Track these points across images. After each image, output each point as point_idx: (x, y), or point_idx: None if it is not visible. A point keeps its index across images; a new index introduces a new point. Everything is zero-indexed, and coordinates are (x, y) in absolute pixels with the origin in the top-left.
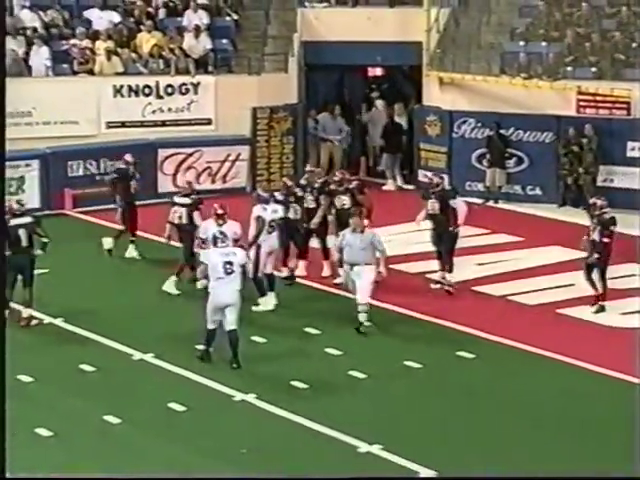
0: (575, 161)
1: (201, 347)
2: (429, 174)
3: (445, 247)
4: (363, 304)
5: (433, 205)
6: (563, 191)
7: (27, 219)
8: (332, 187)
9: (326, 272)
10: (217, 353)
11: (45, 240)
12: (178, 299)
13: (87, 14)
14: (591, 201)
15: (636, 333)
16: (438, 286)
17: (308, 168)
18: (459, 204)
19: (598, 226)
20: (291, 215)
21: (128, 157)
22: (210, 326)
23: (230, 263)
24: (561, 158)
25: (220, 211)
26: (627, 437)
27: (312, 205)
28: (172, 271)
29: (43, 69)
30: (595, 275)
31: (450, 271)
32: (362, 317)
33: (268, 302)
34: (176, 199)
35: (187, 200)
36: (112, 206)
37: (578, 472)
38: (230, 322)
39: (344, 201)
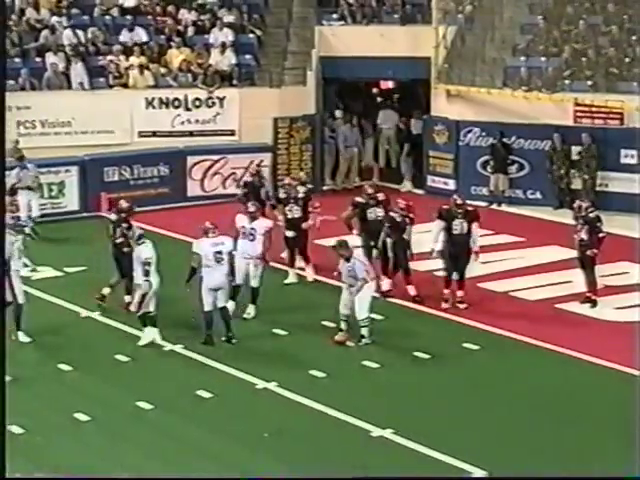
0: (563, 167)
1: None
2: (455, 195)
3: (463, 267)
4: (362, 319)
5: (462, 225)
6: (558, 194)
7: (114, 216)
8: (361, 200)
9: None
10: (239, 344)
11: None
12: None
13: (123, 33)
14: (576, 204)
15: (631, 326)
16: (448, 305)
17: (286, 181)
18: (476, 229)
19: (585, 225)
20: (406, 236)
21: (254, 168)
22: (206, 308)
23: (220, 252)
24: (555, 163)
25: (252, 209)
26: (624, 425)
27: (297, 215)
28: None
29: (80, 83)
30: (587, 272)
31: (462, 288)
32: (363, 331)
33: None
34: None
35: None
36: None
37: (575, 470)
38: (221, 300)
39: (378, 212)
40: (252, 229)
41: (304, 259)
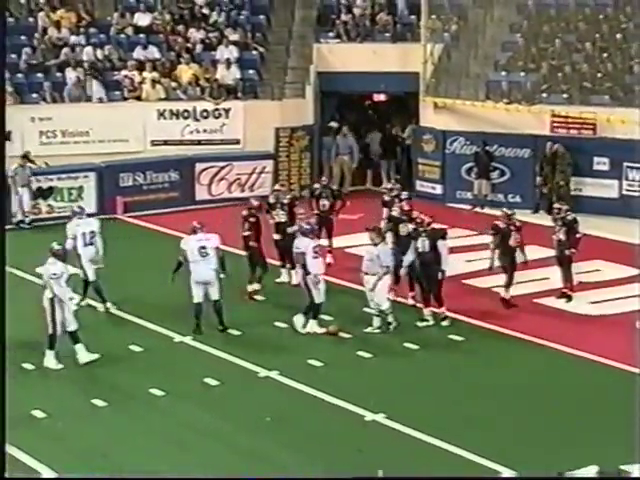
0: (550, 174)
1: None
2: (422, 215)
3: (433, 285)
4: (385, 308)
5: (423, 243)
6: (538, 199)
7: (245, 212)
8: (396, 215)
9: (295, 280)
10: (244, 335)
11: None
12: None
13: (136, 50)
14: (556, 206)
15: (603, 319)
16: (425, 324)
17: (276, 187)
18: (442, 248)
19: (563, 227)
20: (512, 242)
21: (323, 180)
22: (195, 300)
23: (204, 247)
24: (544, 169)
25: (316, 227)
26: (601, 412)
27: (283, 219)
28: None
29: (97, 96)
30: (563, 269)
31: (441, 305)
32: (390, 318)
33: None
34: (386, 197)
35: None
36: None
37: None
38: (213, 294)
39: (410, 228)
40: (319, 246)
41: (289, 262)
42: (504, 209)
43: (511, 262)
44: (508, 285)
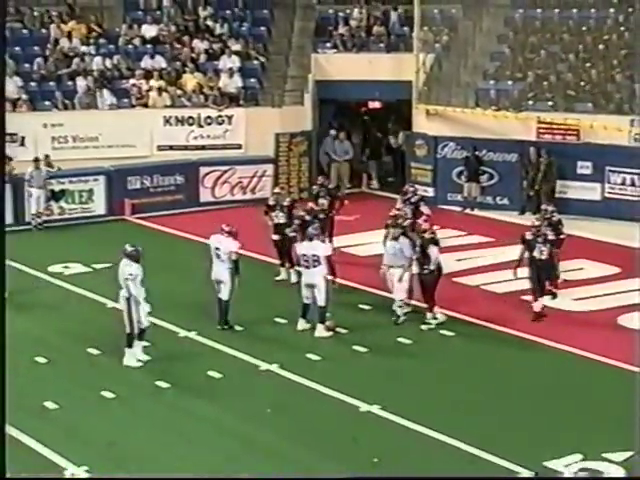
0: (535, 177)
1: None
2: (421, 222)
3: (427, 288)
4: (399, 300)
5: (417, 249)
6: (525, 201)
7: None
8: (389, 222)
9: (293, 279)
10: (246, 331)
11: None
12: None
13: (144, 59)
14: (542, 207)
15: (586, 315)
16: (427, 327)
17: (276, 190)
18: (433, 252)
19: (549, 227)
20: (536, 254)
21: (320, 180)
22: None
23: (218, 249)
24: (530, 173)
25: (316, 232)
26: (578, 404)
27: (282, 221)
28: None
29: (106, 103)
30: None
31: (431, 310)
32: (399, 311)
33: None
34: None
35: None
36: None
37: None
38: (222, 294)
39: (398, 233)
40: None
41: (288, 262)
42: (534, 220)
43: (536, 273)
44: (540, 295)
